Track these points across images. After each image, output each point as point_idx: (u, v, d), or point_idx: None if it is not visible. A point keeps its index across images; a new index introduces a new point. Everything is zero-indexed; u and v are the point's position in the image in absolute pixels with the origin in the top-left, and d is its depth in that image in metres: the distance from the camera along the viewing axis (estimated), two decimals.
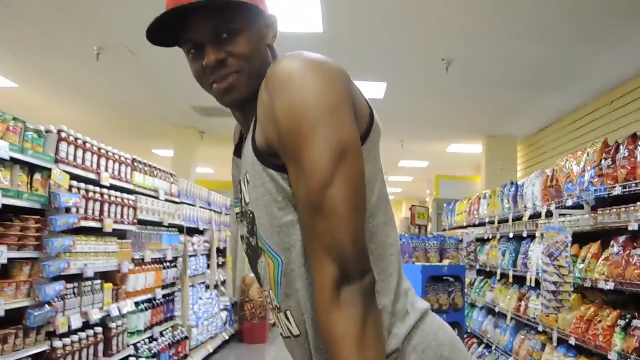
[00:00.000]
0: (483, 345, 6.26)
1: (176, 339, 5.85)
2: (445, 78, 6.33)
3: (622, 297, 3.69)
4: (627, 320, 3.35)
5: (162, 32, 1.10)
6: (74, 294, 3.94)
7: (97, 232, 4.29)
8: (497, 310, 5.71)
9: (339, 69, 1.04)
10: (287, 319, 1.12)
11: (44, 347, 3.58)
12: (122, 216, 4.63)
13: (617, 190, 3.40)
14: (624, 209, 3.34)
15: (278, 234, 1.07)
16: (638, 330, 3.16)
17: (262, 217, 1.09)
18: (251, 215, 1.12)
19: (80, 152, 4.03)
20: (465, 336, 6.50)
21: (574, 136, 7.63)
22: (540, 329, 4.49)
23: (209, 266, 7.52)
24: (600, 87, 6.57)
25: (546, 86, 6.70)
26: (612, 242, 3.53)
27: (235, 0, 1.04)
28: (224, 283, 8.34)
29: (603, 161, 3.63)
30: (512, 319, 5.28)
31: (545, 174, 4.67)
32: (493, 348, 5.82)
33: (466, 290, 6.53)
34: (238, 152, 1.27)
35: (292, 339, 1.15)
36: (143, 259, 5.19)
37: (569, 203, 4.06)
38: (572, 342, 3.85)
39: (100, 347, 4.23)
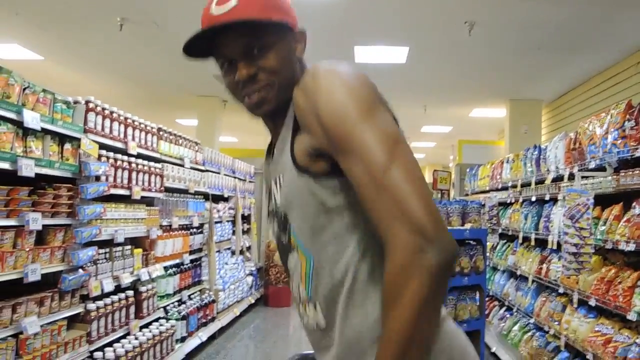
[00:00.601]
0: (504, 308, 6.33)
1: (204, 302, 6.04)
2: (468, 41, 6.25)
3: None
4: None
5: (197, 47, 1.17)
6: (106, 258, 4.09)
7: (126, 199, 4.42)
8: (518, 273, 5.75)
9: (369, 80, 1.10)
10: (315, 309, 1.18)
11: (79, 309, 3.75)
12: (149, 184, 4.75)
13: None
14: None
15: (311, 234, 1.13)
16: None
17: (296, 218, 1.15)
18: (283, 215, 1.19)
19: (107, 122, 4.13)
20: (487, 299, 6.57)
21: (599, 98, 7.50)
22: (561, 290, 4.53)
23: (234, 232, 7.67)
24: (626, 48, 6.42)
25: (571, 48, 6.57)
26: (633, 204, 3.53)
27: (265, 19, 1.11)
28: (249, 248, 8.51)
29: (626, 122, 3.60)
30: (533, 281, 5.33)
31: (569, 136, 4.64)
32: (514, 310, 5.88)
33: (488, 254, 6.57)
34: (270, 153, 1.33)
35: (317, 332, 1.20)
36: (170, 225, 5.34)
37: (592, 165, 4.05)
38: (593, 303, 3.89)
39: (132, 309, 4.41)
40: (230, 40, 1.13)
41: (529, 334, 5.27)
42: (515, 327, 5.64)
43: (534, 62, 7.24)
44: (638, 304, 3.35)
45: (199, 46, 1.17)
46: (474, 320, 5.45)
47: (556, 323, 4.59)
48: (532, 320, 5.25)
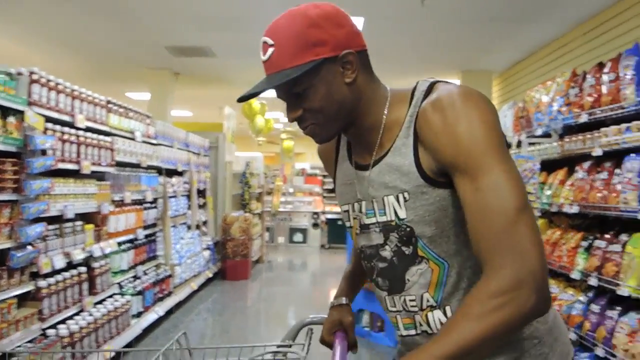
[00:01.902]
0: None
1: (159, 277, 5.99)
2: (422, 12, 6.27)
3: (586, 220, 3.87)
4: (590, 242, 3.53)
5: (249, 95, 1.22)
6: (56, 235, 3.99)
7: (75, 174, 4.31)
8: None
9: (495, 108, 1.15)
10: (445, 314, 1.23)
11: (29, 287, 3.67)
12: (99, 158, 4.64)
13: (583, 118, 3.51)
14: (588, 136, 3.46)
15: (446, 242, 1.19)
16: (599, 250, 3.34)
17: (427, 230, 1.19)
18: (407, 229, 1.21)
19: (53, 94, 3.99)
20: None
21: (548, 69, 7.68)
22: None
23: (189, 207, 7.60)
24: (574, 18, 6.57)
25: (521, 19, 6.68)
26: (577, 168, 3.67)
27: (295, 68, 1.13)
28: (205, 223, 8.45)
29: (571, 90, 3.72)
30: None
31: (517, 105, 4.76)
32: None
33: None
34: (358, 166, 1.32)
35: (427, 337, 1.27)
36: (123, 200, 5.24)
37: (538, 132, 4.17)
38: None
39: (85, 285, 4.34)
40: (275, 90, 1.20)
41: None
42: None
43: (486, 33, 7.34)
44: (581, 263, 3.51)
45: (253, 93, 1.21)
46: None
47: None
48: None
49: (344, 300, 1.56)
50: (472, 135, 1.06)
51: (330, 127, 1.22)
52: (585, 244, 3.55)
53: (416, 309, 1.26)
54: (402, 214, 1.21)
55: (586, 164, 3.57)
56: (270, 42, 1.16)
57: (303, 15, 1.15)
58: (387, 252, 1.27)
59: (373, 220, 1.28)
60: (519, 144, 4.49)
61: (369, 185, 1.27)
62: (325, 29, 1.15)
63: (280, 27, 1.16)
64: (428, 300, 1.24)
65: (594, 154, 3.35)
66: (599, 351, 3.14)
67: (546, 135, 4.10)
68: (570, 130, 3.79)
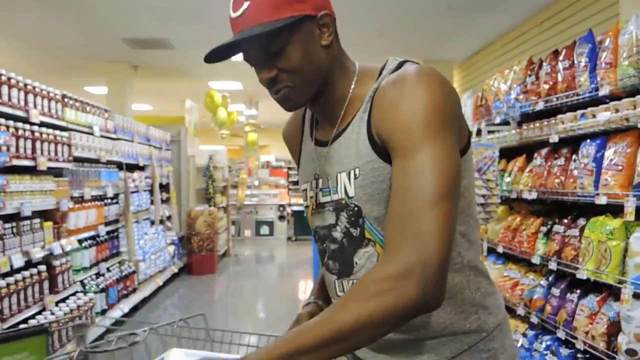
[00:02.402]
0: None
1: (123, 274, 5.89)
2: (383, 0, 6.31)
3: (545, 206, 3.96)
4: (549, 227, 3.61)
5: (219, 53, 1.15)
6: (13, 233, 3.88)
7: (31, 171, 4.19)
8: None
9: (457, 95, 1.12)
10: None
11: None
12: (55, 154, 4.52)
13: (540, 105, 3.58)
14: (545, 123, 3.53)
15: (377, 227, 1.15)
16: (558, 234, 3.42)
17: (375, 210, 1.13)
18: (355, 208, 1.16)
19: (5, 89, 3.86)
20: None
21: (506, 58, 7.81)
22: None
23: (152, 202, 7.49)
24: (531, 8, 6.70)
25: (480, 8, 6.77)
26: (535, 155, 3.74)
27: (276, 20, 1.07)
28: (169, 218, 8.35)
29: (527, 78, 3.79)
30: None
31: (476, 94, 4.83)
32: None
33: None
34: (319, 142, 1.29)
35: None
36: (82, 197, 5.13)
37: (497, 120, 4.25)
38: (500, 250, 4.13)
39: (46, 284, 4.23)
40: (247, 48, 1.14)
41: None
42: None
43: (446, 23, 7.42)
44: (541, 248, 3.60)
45: (221, 51, 1.15)
46: None
47: None
48: None
49: (312, 298, 1.49)
50: (413, 115, 1.03)
51: (305, 90, 1.17)
52: (544, 229, 3.64)
53: None
54: (351, 191, 1.17)
55: (544, 151, 3.65)
56: None
57: None
58: (337, 233, 1.23)
59: (328, 198, 1.24)
60: (478, 132, 4.56)
61: (326, 162, 1.24)
62: None
63: None
64: None
65: (551, 140, 3.42)
66: (560, 334, 3.22)
67: (505, 123, 4.18)
68: (528, 117, 3.87)
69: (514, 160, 4.14)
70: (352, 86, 1.21)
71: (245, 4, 1.09)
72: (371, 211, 1.15)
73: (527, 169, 3.85)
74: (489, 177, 3.83)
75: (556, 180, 3.38)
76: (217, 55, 1.15)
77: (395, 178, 1.04)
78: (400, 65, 1.17)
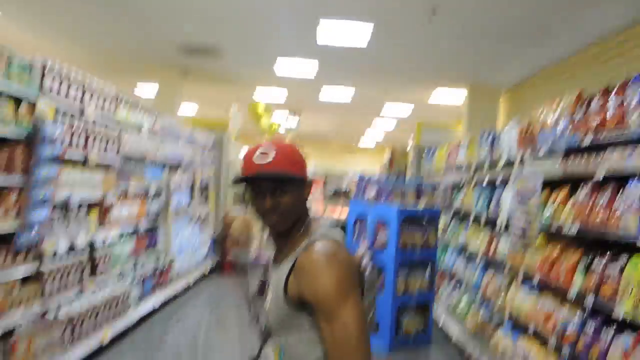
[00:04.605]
0: (453, 283, 6.56)
1: (159, 268, 6.04)
2: (431, 24, 6.33)
3: (586, 239, 3.90)
4: (588, 261, 3.56)
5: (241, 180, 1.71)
6: (61, 219, 4.04)
7: (82, 164, 4.36)
8: (468, 250, 5.96)
9: (352, 261, 1.64)
10: None
11: (33, 268, 3.73)
12: (105, 149, 4.69)
13: (587, 140, 3.54)
14: (592, 158, 3.50)
15: (281, 336, 1.69)
16: (597, 270, 3.37)
17: (273, 322, 1.70)
18: (267, 314, 1.74)
19: (65, 85, 4.04)
20: (438, 274, 6.79)
21: (554, 87, 7.73)
22: (507, 268, 4.73)
23: (191, 202, 7.64)
24: (585, 40, 6.63)
25: (531, 38, 6.74)
26: (579, 189, 3.70)
27: (289, 174, 1.67)
28: (206, 219, 8.50)
29: (576, 112, 3.76)
30: (481, 258, 5.54)
31: (522, 123, 4.80)
32: (463, 285, 6.11)
33: (440, 233, 6.77)
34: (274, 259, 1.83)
35: None
36: (127, 191, 5.29)
37: (542, 151, 4.21)
38: (536, 280, 4.09)
39: (86, 270, 4.39)
40: (263, 182, 1.67)
41: (475, 307, 5.50)
42: (463, 301, 5.87)
43: (495, 49, 7.40)
44: (578, 282, 3.55)
45: (241, 180, 1.71)
46: (424, 293, 5.65)
47: (501, 298, 4.80)
48: (478, 295, 5.47)
49: None
50: (328, 289, 1.53)
51: (286, 223, 1.70)
52: (583, 263, 3.59)
53: None
54: (267, 299, 1.76)
55: (588, 186, 3.61)
56: (272, 152, 1.66)
57: (294, 147, 1.74)
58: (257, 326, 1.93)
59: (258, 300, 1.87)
60: (522, 162, 4.54)
61: (270, 274, 1.81)
62: (303, 160, 1.76)
63: (279, 147, 1.68)
64: None
65: (595, 178, 3.38)
66: None
67: (550, 154, 4.14)
68: (573, 151, 3.84)
69: (556, 193, 4.10)
70: (299, 234, 1.72)
71: (270, 157, 1.65)
72: (271, 321, 1.71)
73: (570, 202, 3.81)
74: (530, 208, 3.81)
75: (598, 218, 3.34)
76: (238, 181, 1.70)
77: (327, 333, 1.54)
78: (313, 241, 1.64)
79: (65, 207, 4.11)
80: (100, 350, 4.46)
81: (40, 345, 3.61)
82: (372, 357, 1.55)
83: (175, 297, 6.68)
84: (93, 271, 4.53)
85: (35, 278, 3.79)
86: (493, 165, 5.51)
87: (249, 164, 1.69)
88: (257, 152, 1.68)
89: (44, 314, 3.81)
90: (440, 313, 6.38)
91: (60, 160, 3.91)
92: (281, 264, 1.72)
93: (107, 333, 4.53)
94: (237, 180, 1.71)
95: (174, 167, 6.91)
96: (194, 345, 5.34)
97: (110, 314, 4.66)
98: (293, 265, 1.64)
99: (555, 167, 3.99)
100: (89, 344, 4.26)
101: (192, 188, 7.62)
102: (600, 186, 3.53)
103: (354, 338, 1.51)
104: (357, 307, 1.55)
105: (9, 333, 3.42)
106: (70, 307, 4.03)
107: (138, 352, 4.79)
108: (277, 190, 1.67)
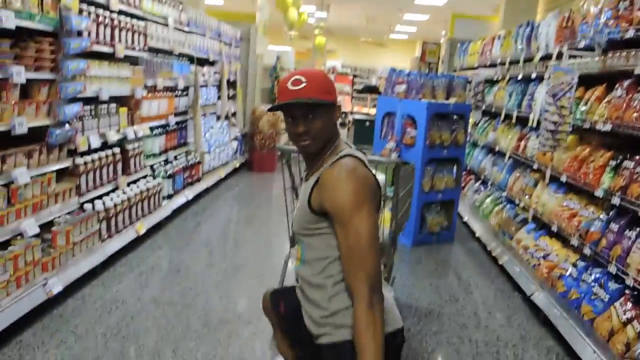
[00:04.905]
0: (480, 182, 6.59)
1: (189, 163, 6.17)
2: None
3: (617, 140, 3.82)
4: (618, 161, 3.51)
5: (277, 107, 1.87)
6: (91, 115, 4.11)
7: (110, 58, 4.34)
8: (497, 149, 5.91)
9: (370, 179, 1.80)
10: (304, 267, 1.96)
11: (67, 163, 3.85)
12: (132, 42, 4.64)
13: (630, 33, 3.36)
14: (633, 52, 3.34)
15: (303, 237, 1.91)
16: (627, 170, 3.33)
17: (298, 227, 1.93)
18: (294, 220, 1.96)
19: None
20: (464, 172, 6.81)
21: None
22: (535, 167, 4.71)
23: (219, 97, 7.65)
24: None
25: None
26: (617, 85, 3.57)
27: (320, 100, 1.81)
28: (234, 114, 8.53)
29: (621, 3, 3.54)
30: (510, 157, 5.50)
31: (562, 15, 4.56)
32: (489, 184, 6.13)
33: (469, 130, 6.70)
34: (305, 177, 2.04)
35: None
36: (155, 86, 5.30)
37: (581, 45, 4.03)
38: (564, 179, 4.07)
39: (119, 166, 4.52)
40: (296, 108, 1.82)
41: (500, 206, 5.55)
42: (488, 200, 5.91)
43: None
44: (606, 182, 3.52)
45: (277, 107, 1.86)
46: (449, 191, 5.69)
47: (527, 197, 4.82)
48: (504, 194, 5.50)
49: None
50: (345, 200, 1.71)
51: (318, 145, 1.86)
52: (613, 163, 3.54)
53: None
54: (298, 203, 1.97)
55: (626, 82, 3.47)
56: (304, 79, 1.81)
57: (324, 75, 1.90)
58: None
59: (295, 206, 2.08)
60: (559, 55, 4.35)
61: (302, 185, 2.03)
62: (333, 87, 1.92)
63: (311, 75, 1.84)
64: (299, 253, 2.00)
65: (636, 71, 3.24)
66: (612, 268, 3.23)
67: (589, 48, 3.96)
68: (614, 45, 3.65)
69: (593, 89, 3.96)
70: (327, 154, 1.88)
71: (303, 84, 1.80)
72: (299, 229, 1.93)
73: (605, 100, 3.70)
74: (563, 103, 3.71)
75: (634, 114, 3.24)
76: (274, 108, 1.87)
77: (341, 238, 1.74)
78: (342, 157, 1.83)
79: (95, 102, 4.15)
80: (136, 241, 4.69)
81: (79, 237, 3.80)
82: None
83: (206, 191, 6.89)
84: (126, 167, 4.66)
85: (70, 173, 3.93)
86: (529, 59, 5.32)
87: (284, 91, 1.83)
88: (291, 80, 1.82)
89: (80, 207, 3.99)
90: (464, 210, 6.46)
91: (88, 54, 3.90)
92: (309, 179, 1.91)
93: (142, 226, 4.73)
94: (274, 108, 1.87)
95: (202, 62, 6.85)
96: (224, 237, 5.57)
97: (144, 208, 4.84)
98: (318, 180, 1.82)
99: (594, 61, 3.83)
100: (125, 236, 4.47)
101: (219, 83, 7.59)
102: (639, 83, 3.40)
103: (365, 244, 1.69)
104: (370, 217, 1.72)
105: (49, 225, 3.60)
106: (105, 201, 4.19)
107: (172, 242, 5.03)
108: (309, 115, 1.82)
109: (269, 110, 1.96)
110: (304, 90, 1.80)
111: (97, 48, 4.07)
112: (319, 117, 1.82)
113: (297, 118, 1.83)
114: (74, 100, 3.75)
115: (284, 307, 2.20)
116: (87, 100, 4.00)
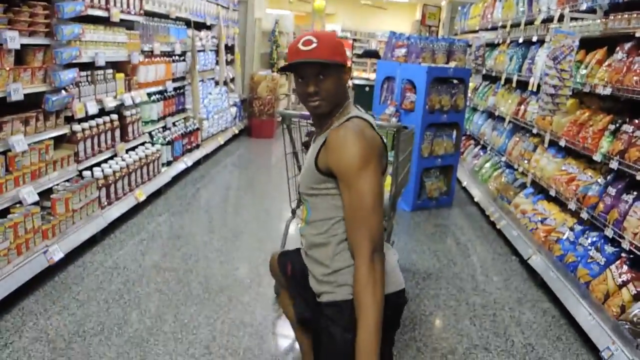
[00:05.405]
0: (479, 147, 6.57)
1: (188, 130, 6.15)
2: None
3: (617, 104, 3.80)
4: (617, 125, 3.50)
5: (286, 68, 1.88)
6: (88, 81, 4.07)
7: (105, 22, 4.28)
8: (496, 114, 5.88)
9: (377, 141, 1.81)
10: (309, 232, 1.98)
11: (64, 130, 3.83)
12: (127, 6, 4.57)
13: None
14: (635, 15, 3.29)
15: (309, 197, 1.93)
16: (626, 134, 3.32)
17: (304, 187, 1.92)
18: (301, 180, 1.96)
19: None
20: (463, 137, 6.79)
21: None
22: (535, 131, 4.69)
23: (217, 62, 7.57)
24: None
25: None
26: (617, 49, 3.53)
27: (330, 61, 1.81)
28: (232, 80, 8.46)
29: None
30: (509, 122, 5.48)
31: None
32: (488, 149, 6.12)
33: (469, 94, 6.66)
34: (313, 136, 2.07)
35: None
36: (152, 51, 5.24)
37: (583, 7, 3.97)
38: (562, 143, 4.06)
39: (117, 132, 4.50)
40: (307, 68, 1.82)
41: (499, 170, 5.55)
42: (487, 165, 5.92)
43: None
44: (605, 146, 3.52)
45: (288, 67, 1.86)
46: (448, 156, 5.69)
47: (526, 162, 4.82)
48: (503, 159, 5.49)
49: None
50: (350, 160, 1.71)
51: (328, 105, 1.85)
52: (612, 127, 3.53)
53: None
54: (305, 163, 2.00)
55: (627, 45, 3.43)
56: (315, 40, 1.81)
57: (335, 36, 1.93)
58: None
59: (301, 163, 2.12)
60: (560, 18, 4.29)
61: (310, 146, 2.03)
62: (344, 48, 1.92)
63: (322, 36, 1.84)
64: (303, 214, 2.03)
65: (637, 34, 3.20)
66: (608, 232, 3.25)
67: (591, 10, 3.90)
68: (616, 8, 3.60)
69: (594, 52, 3.92)
70: (337, 115, 1.89)
71: (314, 45, 1.80)
72: (302, 181, 1.95)
73: (606, 63, 3.66)
74: (563, 66, 3.67)
75: (635, 78, 3.22)
76: (285, 69, 1.87)
77: (346, 198, 1.76)
78: (350, 118, 1.85)
79: (91, 68, 4.11)
80: (136, 208, 4.71)
81: (78, 204, 3.81)
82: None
83: (206, 158, 6.88)
84: (124, 133, 4.65)
85: (68, 140, 3.92)
86: (530, 22, 5.24)
87: (294, 51, 1.83)
88: (302, 40, 1.83)
89: (79, 175, 3.99)
90: (463, 175, 6.46)
91: (82, 18, 3.85)
92: (317, 140, 1.92)
93: (141, 193, 4.74)
94: (284, 68, 1.87)
95: (199, 27, 6.75)
96: (224, 203, 5.59)
97: (144, 175, 4.85)
98: (325, 140, 1.82)
99: (595, 23, 3.77)
100: (125, 203, 4.48)
101: (217, 48, 7.49)
102: (639, 47, 3.36)
103: (369, 204, 1.71)
104: (375, 178, 1.73)
105: (48, 193, 3.61)
106: (104, 169, 4.19)
107: (172, 209, 5.05)
108: (320, 75, 1.82)
109: (280, 69, 1.96)
110: (315, 50, 1.80)
111: (91, 12, 4.00)
112: (330, 78, 1.82)
113: (308, 78, 1.83)
114: (69, 65, 3.72)
115: (291, 269, 2.22)
116: (83, 66, 3.96)
